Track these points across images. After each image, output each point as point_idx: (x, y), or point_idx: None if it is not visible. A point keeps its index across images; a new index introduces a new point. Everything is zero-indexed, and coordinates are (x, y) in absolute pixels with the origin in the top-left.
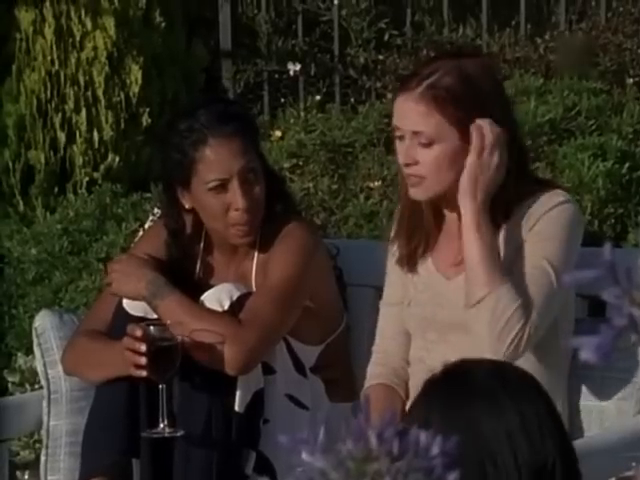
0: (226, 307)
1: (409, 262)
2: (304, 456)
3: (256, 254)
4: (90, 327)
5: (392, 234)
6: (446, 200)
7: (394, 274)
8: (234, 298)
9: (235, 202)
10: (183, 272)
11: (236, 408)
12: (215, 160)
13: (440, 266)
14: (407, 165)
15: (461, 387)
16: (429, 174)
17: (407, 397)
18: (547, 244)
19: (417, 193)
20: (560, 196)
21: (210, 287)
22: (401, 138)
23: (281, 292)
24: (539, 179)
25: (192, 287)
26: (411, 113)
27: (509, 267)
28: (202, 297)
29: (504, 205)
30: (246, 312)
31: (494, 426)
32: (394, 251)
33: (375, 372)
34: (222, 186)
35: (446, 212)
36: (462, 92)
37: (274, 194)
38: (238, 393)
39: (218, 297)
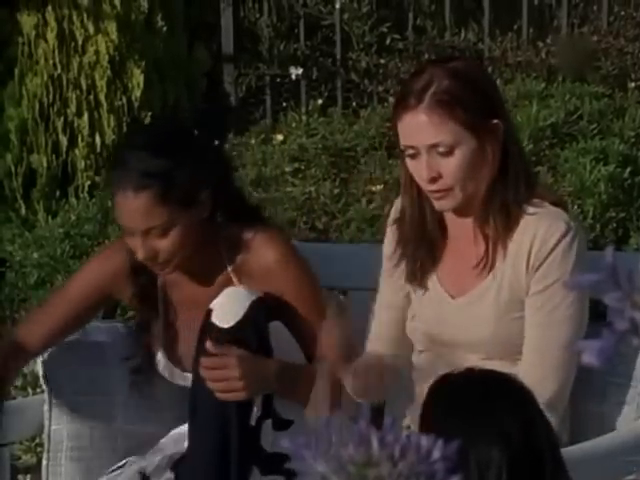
0: (240, 317)
1: (416, 277)
2: (305, 460)
3: (228, 265)
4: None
5: (390, 248)
6: (460, 209)
7: (391, 282)
8: (246, 308)
9: (136, 252)
10: (143, 286)
11: (252, 422)
12: (121, 211)
13: (445, 282)
14: (433, 180)
15: (447, 397)
16: (455, 182)
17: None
18: (559, 290)
19: (445, 204)
20: (562, 222)
21: (169, 301)
22: (414, 156)
23: (318, 306)
24: (536, 183)
25: (153, 300)
26: (425, 127)
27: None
28: (211, 305)
29: (505, 207)
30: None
31: (484, 433)
32: (395, 265)
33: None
34: (130, 234)
35: (452, 224)
36: (463, 92)
37: (231, 206)
38: (255, 408)
39: (227, 311)
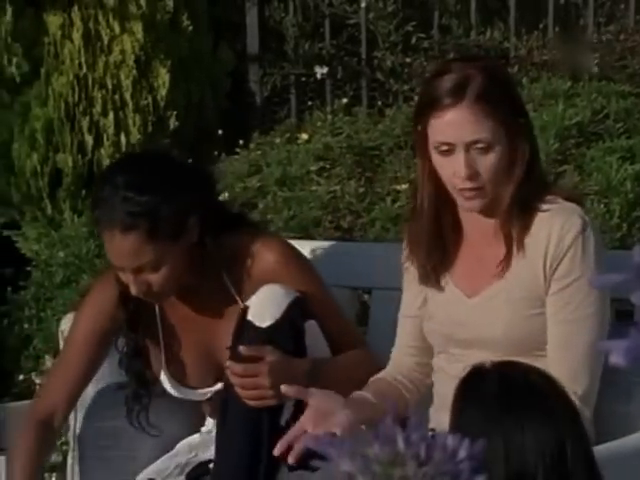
0: (278, 317)
1: (430, 279)
2: (331, 459)
3: (227, 280)
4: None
5: (406, 252)
6: (485, 209)
7: (411, 289)
8: (284, 308)
9: (130, 287)
10: (133, 312)
11: (282, 423)
12: (110, 251)
13: (460, 282)
14: (471, 177)
15: (469, 392)
16: (488, 181)
17: (423, 398)
18: (582, 286)
19: (474, 204)
20: (577, 217)
21: (168, 323)
22: (447, 153)
23: (329, 299)
24: (549, 180)
25: (144, 326)
26: (466, 124)
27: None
28: (248, 303)
29: (527, 206)
30: (344, 337)
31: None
32: (411, 268)
33: (386, 370)
34: (120, 270)
35: (471, 224)
36: (498, 90)
37: (219, 223)
38: (285, 409)
39: (264, 310)
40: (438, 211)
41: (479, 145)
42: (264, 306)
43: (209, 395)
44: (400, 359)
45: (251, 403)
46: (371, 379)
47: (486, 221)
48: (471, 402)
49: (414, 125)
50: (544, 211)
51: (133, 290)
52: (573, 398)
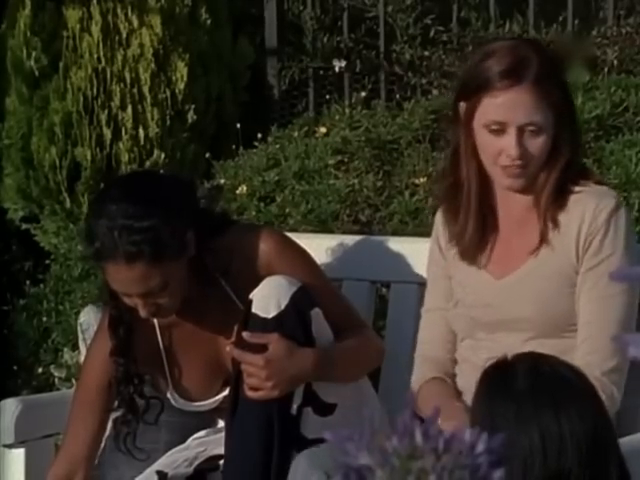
0: (283, 307)
1: (468, 255)
2: (350, 453)
3: (226, 286)
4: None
5: (434, 242)
6: (522, 189)
7: (439, 281)
8: (289, 297)
9: (138, 310)
10: (123, 339)
11: (293, 412)
12: (115, 281)
13: (490, 266)
14: (520, 158)
15: (499, 386)
16: (533, 162)
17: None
18: (613, 264)
19: (515, 182)
20: (610, 197)
21: (172, 345)
22: (497, 132)
23: (332, 288)
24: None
25: (155, 350)
26: (523, 106)
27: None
28: (251, 296)
29: (560, 187)
30: (345, 319)
31: (529, 426)
32: (441, 261)
33: (423, 370)
34: (127, 296)
35: (504, 205)
36: (551, 74)
37: (210, 231)
38: (295, 395)
39: (269, 302)
40: (482, 188)
41: (531, 128)
42: (268, 297)
43: (218, 403)
44: (439, 357)
45: (249, 394)
46: (423, 382)
47: (523, 205)
48: (502, 397)
49: (455, 103)
50: (577, 192)
51: (143, 313)
52: (604, 375)
